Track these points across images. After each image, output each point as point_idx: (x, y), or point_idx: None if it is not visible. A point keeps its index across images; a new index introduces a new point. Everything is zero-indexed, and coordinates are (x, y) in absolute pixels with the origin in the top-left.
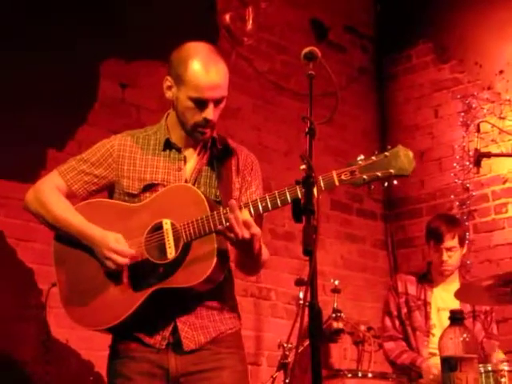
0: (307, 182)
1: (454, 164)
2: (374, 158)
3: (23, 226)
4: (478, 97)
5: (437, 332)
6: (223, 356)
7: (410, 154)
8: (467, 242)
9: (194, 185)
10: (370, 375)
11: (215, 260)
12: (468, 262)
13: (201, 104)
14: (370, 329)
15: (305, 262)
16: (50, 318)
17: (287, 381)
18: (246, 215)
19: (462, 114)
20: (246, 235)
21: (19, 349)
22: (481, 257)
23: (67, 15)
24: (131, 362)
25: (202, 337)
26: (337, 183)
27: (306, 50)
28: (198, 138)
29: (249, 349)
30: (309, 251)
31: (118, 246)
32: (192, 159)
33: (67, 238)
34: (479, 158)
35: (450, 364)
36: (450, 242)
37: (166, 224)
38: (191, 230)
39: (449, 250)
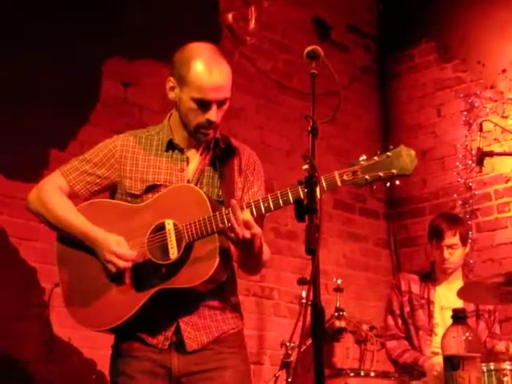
0: (310, 182)
1: (457, 163)
2: (376, 158)
3: (26, 225)
4: (480, 96)
5: (440, 331)
6: (226, 356)
7: (413, 153)
8: (470, 241)
9: (196, 185)
10: (372, 374)
11: (217, 260)
12: (471, 261)
13: (204, 105)
14: (372, 328)
15: (307, 261)
16: (53, 317)
17: (290, 380)
18: (247, 215)
19: (465, 113)
20: (247, 235)
21: (22, 348)
22: (484, 256)
23: (69, 15)
24: (133, 361)
25: (204, 337)
26: (339, 183)
27: (309, 48)
28: (200, 139)
29: (251, 348)
30: (311, 250)
31: (120, 249)
32: (194, 159)
33: (70, 239)
34: (482, 156)
35: (452, 363)
36: (451, 239)
37: (169, 224)
38: (193, 231)
39: (450, 247)
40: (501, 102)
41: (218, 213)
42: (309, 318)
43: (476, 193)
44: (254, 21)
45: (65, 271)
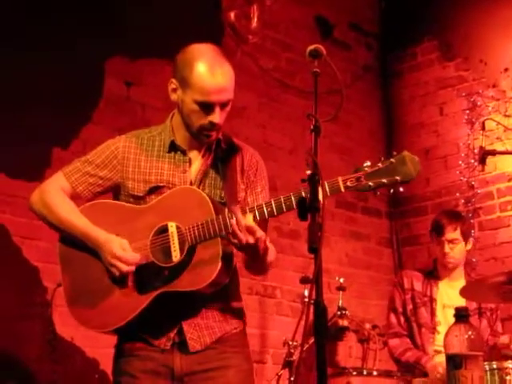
0: (312, 180)
1: (459, 162)
2: (380, 164)
3: (28, 224)
4: (482, 94)
5: (442, 329)
6: (228, 355)
7: (416, 159)
8: (472, 239)
9: (199, 186)
10: (374, 373)
11: (220, 263)
12: (473, 260)
13: (207, 107)
14: (374, 327)
15: (310, 259)
16: (55, 317)
17: (292, 379)
18: (249, 220)
19: (467, 111)
20: (251, 240)
21: (24, 347)
22: (486, 254)
23: (70, 15)
24: (136, 361)
25: (207, 338)
26: (342, 189)
27: (311, 47)
28: (203, 141)
29: (254, 347)
30: (314, 249)
31: (123, 253)
32: (197, 161)
33: (72, 240)
34: (484, 155)
35: (455, 362)
36: (452, 233)
37: (172, 227)
38: (196, 234)
39: (450, 241)
40: (503, 101)
41: (221, 216)
42: (311, 316)
43: (478, 191)
44: (256, 19)
45: (67, 272)
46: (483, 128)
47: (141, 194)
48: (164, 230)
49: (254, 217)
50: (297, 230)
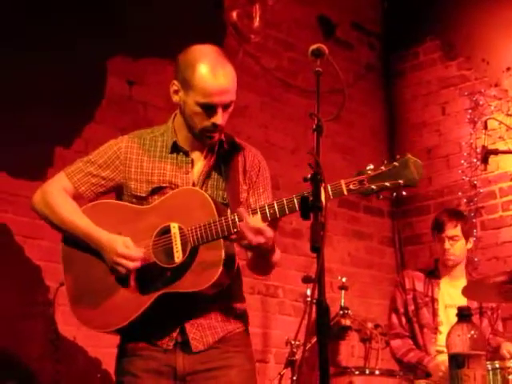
0: (315, 180)
1: (462, 161)
2: (383, 167)
3: (31, 224)
4: (485, 94)
5: (444, 329)
6: (231, 355)
7: (419, 162)
8: (473, 239)
9: (201, 188)
10: (377, 372)
11: (222, 265)
12: (475, 259)
13: (209, 109)
14: (377, 326)
15: (312, 259)
16: (57, 316)
17: (295, 378)
18: (257, 221)
19: (470, 111)
20: (261, 240)
21: (26, 346)
22: (488, 254)
23: (74, 14)
24: (138, 360)
25: (210, 337)
26: (345, 192)
27: (314, 46)
28: (205, 142)
29: (256, 346)
30: (316, 248)
31: (127, 250)
32: (199, 162)
33: (74, 240)
34: (486, 155)
35: (457, 361)
36: (452, 230)
37: (174, 228)
38: (199, 235)
39: (451, 238)
40: (505, 100)
41: (223, 218)
42: (314, 316)
43: (481, 191)
44: (258, 19)
45: (70, 273)
46: (485, 127)
47: (143, 195)
48: (166, 231)
49: (263, 216)
50: (299, 230)
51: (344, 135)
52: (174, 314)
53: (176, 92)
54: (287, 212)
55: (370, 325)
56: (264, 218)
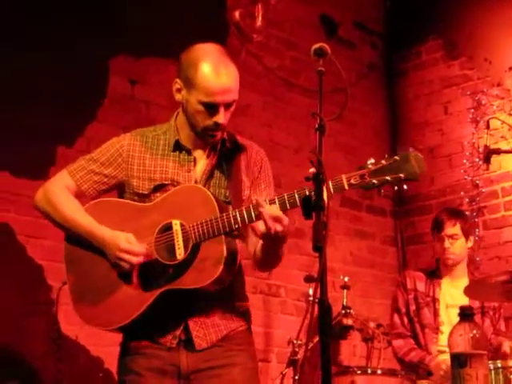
0: (317, 179)
1: (464, 161)
2: (383, 161)
3: (33, 223)
4: (487, 93)
5: (445, 329)
6: (234, 353)
7: (420, 156)
8: (474, 237)
9: (204, 186)
10: (379, 372)
11: (224, 261)
12: (477, 259)
13: (211, 108)
14: (379, 326)
15: (314, 258)
16: (60, 315)
17: (297, 377)
18: (275, 209)
19: (472, 110)
20: (279, 228)
21: (29, 345)
22: (490, 253)
23: (76, 14)
24: (142, 359)
25: (213, 335)
26: (346, 187)
27: (316, 46)
28: (208, 141)
29: (258, 345)
30: (319, 247)
31: (130, 245)
32: (202, 160)
33: (77, 239)
34: (489, 154)
35: (459, 360)
36: (451, 229)
37: (176, 225)
38: (200, 231)
39: (450, 237)
40: (508, 100)
41: (225, 214)
42: (316, 315)
43: (483, 190)
44: (260, 18)
45: (72, 271)
46: (488, 127)
47: (145, 192)
48: (168, 228)
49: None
50: (301, 229)
51: (346, 134)
52: (177, 311)
53: (178, 90)
54: (288, 207)
55: (371, 324)
56: (282, 207)
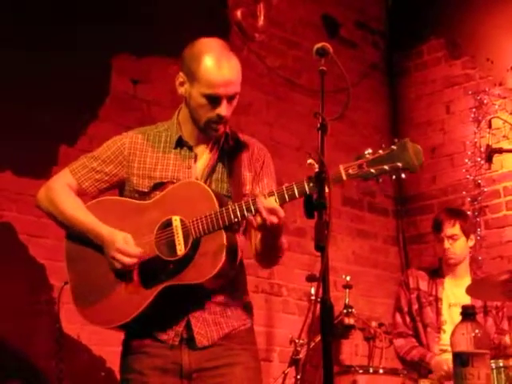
0: (319, 178)
1: (466, 160)
2: (381, 151)
3: (35, 222)
4: (489, 93)
5: (448, 328)
6: (236, 352)
7: (418, 147)
8: (475, 236)
9: (206, 181)
10: (381, 371)
11: (224, 255)
12: (479, 258)
13: (214, 100)
14: (381, 325)
15: (316, 257)
16: (62, 314)
17: (299, 377)
18: (271, 202)
19: (474, 109)
20: (274, 220)
21: (31, 344)
22: (492, 253)
23: (78, 12)
24: (144, 358)
25: (214, 333)
26: (344, 178)
27: (318, 45)
28: (210, 135)
29: (260, 345)
30: (321, 247)
31: (125, 246)
32: (204, 156)
33: (78, 237)
34: (491, 153)
35: (461, 359)
36: (450, 229)
37: (176, 221)
38: (200, 227)
39: (450, 237)
40: (510, 99)
41: (224, 208)
42: (318, 314)
43: (485, 190)
44: (262, 17)
45: (74, 269)
46: (490, 126)
47: (145, 190)
48: (168, 224)
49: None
50: (303, 228)
51: (348, 134)
52: (179, 307)
53: (181, 84)
54: (287, 199)
55: (373, 324)
56: (281, 200)
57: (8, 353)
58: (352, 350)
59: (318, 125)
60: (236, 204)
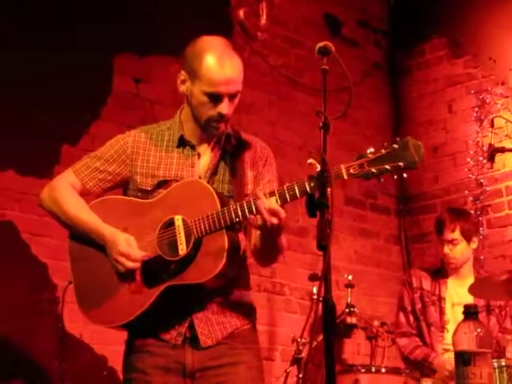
0: (321, 177)
1: (468, 159)
2: (382, 150)
3: (38, 221)
4: (491, 92)
5: (451, 328)
6: (239, 351)
7: (419, 144)
8: (478, 238)
9: (208, 181)
10: (383, 370)
11: (226, 255)
12: (482, 258)
13: (215, 99)
14: (383, 324)
15: (318, 257)
16: (64, 313)
17: (301, 376)
18: (272, 203)
19: (476, 109)
20: (275, 221)
21: (34, 343)
22: (495, 252)
23: (79, 12)
24: (147, 357)
25: (218, 333)
26: (345, 177)
27: (320, 44)
28: (212, 133)
29: (262, 344)
30: (323, 246)
31: (128, 249)
32: (206, 155)
33: (81, 237)
34: (493, 153)
35: (463, 358)
36: (450, 234)
37: (178, 220)
38: (202, 226)
39: (450, 242)
40: None
41: (225, 208)
42: (320, 313)
43: (487, 189)
44: (265, 16)
45: (77, 269)
46: (492, 125)
47: (149, 189)
48: (171, 224)
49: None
50: (305, 228)
51: (350, 133)
52: (181, 307)
53: (183, 82)
54: (288, 199)
55: (376, 323)
56: (282, 200)
57: (10, 352)
58: (354, 349)
59: (321, 124)
60: (237, 204)
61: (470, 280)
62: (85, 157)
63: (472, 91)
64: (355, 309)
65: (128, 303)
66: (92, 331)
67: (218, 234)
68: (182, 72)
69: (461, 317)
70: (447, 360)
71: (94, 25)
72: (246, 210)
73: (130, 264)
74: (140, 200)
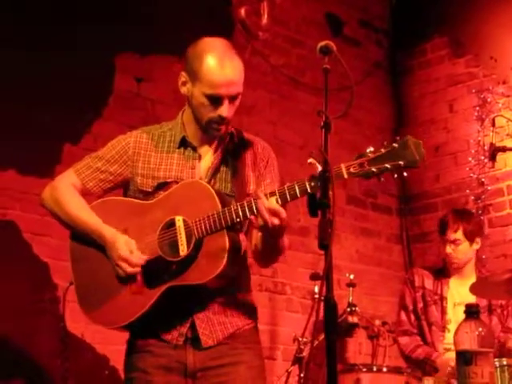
0: (323, 177)
1: (469, 158)
2: (382, 149)
3: (39, 221)
4: (493, 91)
5: (452, 327)
6: (240, 351)
7: (419, 143)
8: (480, 238)
9: (209, 181)
10: (384, 369)
11: (227, 255)
12: (483, 257)
13: (216, 101)
14: (384, 323)
15: (320, 256)
16: (66, 313)
17: (302, 375)
18: (272, 203)
19: (477, 108)
20: (276, 222)
21: (35, 343)
22: (496, 251)
23: (80, 11)
24: (148, 356)
25: (219, 333)
26: (345, 176)
27: (322, 44)
28: (212, 134)
29: (264, 343)
30: (324, 246)
31: (129, 255)
32: (207, 156)
33: (82, 237)
34: (494, 152)
35: (465, 358)
36: (453, 234)
37: (179, 221)
38: (203, 227)
39: (452, 242)
40: None
41: (226, 208)
42: (321, 313)
43: (488, 188)
44: (266, 16)
45: (78, 269)
46: (493, 124)
47: (149, 190)
48: (171, 224)
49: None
50: (307, 227)
51: (352, 132)
52: (182, 308)
53: (184, 83)
54: (289, 199)
55: (377, 322)
56: (283, 200)
57: (11, 351)
58: (356, 348)
59: (322, 123)
60: (238, 204)
61: (472, 280)
62: (86, 157)
63: (473, 90)
64: (357, 308)
65: (129, 304)
66: (94, 331)
67: (219, 234)
68: (183, 73)
69: (462, 317)
70: (450, 359)
71: (95, 25)
72: (247, 210)
73: (129, 269)
74: (141, 201)
